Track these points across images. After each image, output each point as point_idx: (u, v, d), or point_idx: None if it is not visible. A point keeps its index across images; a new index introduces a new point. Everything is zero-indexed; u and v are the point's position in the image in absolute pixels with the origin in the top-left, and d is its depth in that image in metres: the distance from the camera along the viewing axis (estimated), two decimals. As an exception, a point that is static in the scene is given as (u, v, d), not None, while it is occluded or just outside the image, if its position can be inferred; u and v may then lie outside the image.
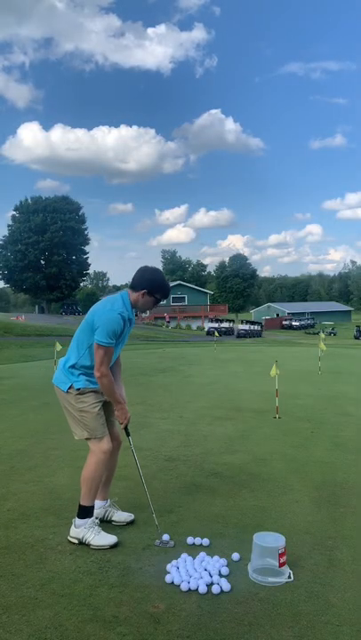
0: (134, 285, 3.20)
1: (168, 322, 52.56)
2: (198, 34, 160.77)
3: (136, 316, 3.40)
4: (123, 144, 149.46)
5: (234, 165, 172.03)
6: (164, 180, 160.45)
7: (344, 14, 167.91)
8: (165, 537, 3.17)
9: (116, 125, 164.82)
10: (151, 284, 3.18)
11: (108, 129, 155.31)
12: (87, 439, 3.23)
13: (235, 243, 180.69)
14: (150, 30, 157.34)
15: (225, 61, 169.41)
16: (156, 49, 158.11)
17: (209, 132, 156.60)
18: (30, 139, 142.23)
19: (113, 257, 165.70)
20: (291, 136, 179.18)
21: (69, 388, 3.20)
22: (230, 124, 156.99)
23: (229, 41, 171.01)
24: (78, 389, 3.18)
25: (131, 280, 3.25)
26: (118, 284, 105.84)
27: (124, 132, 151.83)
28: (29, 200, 65.35)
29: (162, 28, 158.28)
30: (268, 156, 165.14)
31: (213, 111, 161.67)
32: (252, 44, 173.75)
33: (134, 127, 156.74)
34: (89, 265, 69.99)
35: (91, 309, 3.27)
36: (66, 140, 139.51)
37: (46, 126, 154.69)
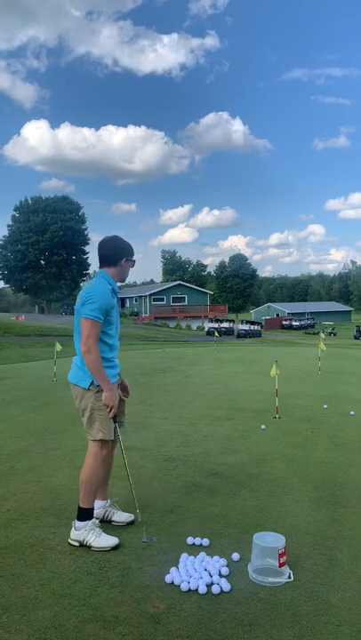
0: (110, 260, 3.23)
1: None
2: (207, 40, 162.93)
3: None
4: (129, 145, 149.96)
5: (238, 166, 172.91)
6: (168, 180, 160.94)
7: (348, 21, 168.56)
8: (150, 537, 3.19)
9: (124, 126, 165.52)
10: (125, 250, 3.24)
11: (115, 129, 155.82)
12: (97, 440, 3.18)
13: (237, 243, 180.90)
14: (161, 36, 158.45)
15: (231, 67, 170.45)
16: (165, 54, 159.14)
17: (214, 133, 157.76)
18: (36, 138, 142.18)
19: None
20: (295, 137, 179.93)
21: (90, 384, 3.13)
22: (235, 126, 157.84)
23: (236, 47, 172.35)
24: (98, 386, 3.13)
25: (101, 260, 3.26)
26: (118, 284, 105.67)
27: (131, 133, 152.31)
28: (29, 200, 65.40)
29: (173, 34, 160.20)
30: (273, 157, 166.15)
31: (219, 113, 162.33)
32: (258, 50, 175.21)
33: (141, 128, 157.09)
34: (89, 265, 70.08)
35: (78, 298, 3.23)
36: (72, 139, 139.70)
37: (52, 126, 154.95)
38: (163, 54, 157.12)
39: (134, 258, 3.31)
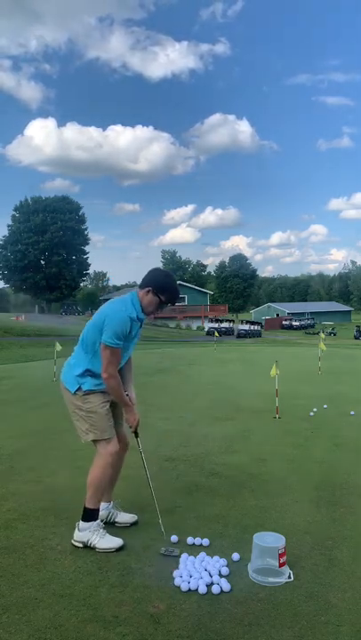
0: (141, 284, 3.20)
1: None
2: (213, 46, 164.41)
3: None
4: (135, 146, 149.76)
5: (243, 167, 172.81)
6: (173, 180, 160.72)
7: (351, 25, 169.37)
8: (174, 538, 3.17)
9: (131, 126, 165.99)
10: (156, 284, 3.15)
11: (122, 129, 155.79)
12: (94, 441, 3.18)
13: (238, 243, 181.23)
14: (171, 41, 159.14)
15: (236, 72, 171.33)
16: (174, 59, 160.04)
17: (220, 134, 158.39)
18: (41, 138, 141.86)
19: (119, 257, 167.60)
20: (299, 138, 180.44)
21: (77, 389, 3.15)
22: (241, 127, 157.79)
23: (242, 53, 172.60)
24: (85, 391, 3.14)
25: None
26: (118, 284, 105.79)
27: (138, 134, 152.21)
28: (29, 200, 65.40)
29: (182, 41, 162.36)
30: (277, 157, 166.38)
31: (225, 114, 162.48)
32: (263, 56, 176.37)
33: (148, 128, 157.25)
34: (89, 265, 70.14)
35: (100, 309, 3.23)
36: (77, 139, 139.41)
37: (57, 126, 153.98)
38: (172, 59, 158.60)
39: (163, 298, 3.16)
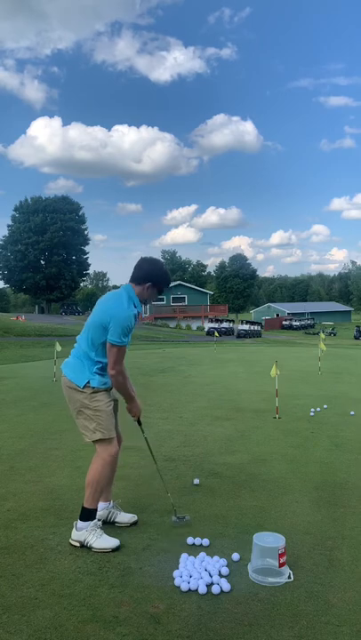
0: (138, 279, 3.21)
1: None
2: (217, 50, 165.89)
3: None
4: (138, 146, 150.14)
5: (246, 168, 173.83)
6: (176, 181, 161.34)
7: (354, 30, 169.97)
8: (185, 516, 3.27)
9: (136, 126, 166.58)
10: (155, 277, 3.21)
11: (127, 129, 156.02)
12: (98, 441, 3.16)
13: (240, 243, 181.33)
14: (177, 45, 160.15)
15: (240, 75, 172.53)
16: (180, 62, 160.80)
17: (223, 135, 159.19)
18: (44, 138, 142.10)
19: (120, 257, 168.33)
20: (302, 139, 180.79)
21: (86, 384, 3.12)
22: (245, 128, 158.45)
23: (245, 57, 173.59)
24: (94, 388, 3.13)
25: (132, 275, 3.26)
26: (118, 284, 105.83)
27: (142, 135, 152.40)
28: (29, 200, 65.42)
29: (189, 45, 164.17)
30: (281, 158, 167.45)
31: (227, 115, 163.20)
32: (267, 60, 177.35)
33: (150, 129, 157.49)
34: (89, 265, 70.21)
35: (98, 306, 3.23)
36: (80, 140, 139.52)
37: (62, 126, 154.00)
38: (178, 62, 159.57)
39: (163, 287, 3.27)
